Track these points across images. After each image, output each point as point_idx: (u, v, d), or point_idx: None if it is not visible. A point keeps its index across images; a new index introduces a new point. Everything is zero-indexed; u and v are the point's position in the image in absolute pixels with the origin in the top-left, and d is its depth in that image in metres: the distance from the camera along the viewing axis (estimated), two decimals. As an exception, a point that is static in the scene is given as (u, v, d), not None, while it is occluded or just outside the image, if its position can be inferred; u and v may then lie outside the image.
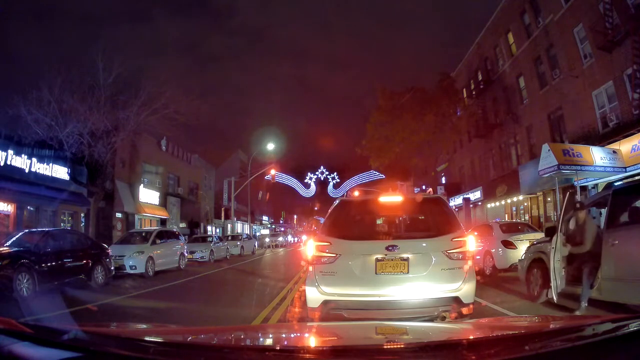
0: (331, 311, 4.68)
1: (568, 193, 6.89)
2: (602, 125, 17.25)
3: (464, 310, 4.60)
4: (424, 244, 4.89)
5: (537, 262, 7.31)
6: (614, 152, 15.33)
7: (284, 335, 2.48)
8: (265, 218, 70.67)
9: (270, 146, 37.32)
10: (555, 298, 6.04)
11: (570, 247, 6.25)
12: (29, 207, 19.54)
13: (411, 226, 6.09)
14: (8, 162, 17.87)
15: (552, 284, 6.02)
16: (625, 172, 14.79)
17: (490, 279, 10.75)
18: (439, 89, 28.10)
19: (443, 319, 4.41)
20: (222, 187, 43.70)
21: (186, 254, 17.77)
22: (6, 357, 1.42)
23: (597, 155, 15.11)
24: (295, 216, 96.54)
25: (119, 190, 25.68)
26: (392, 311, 4.60)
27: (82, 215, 22.98)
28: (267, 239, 41.87)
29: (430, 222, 5.49)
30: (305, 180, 78.29)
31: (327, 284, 4.77)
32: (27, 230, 11.60)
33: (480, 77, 29.49)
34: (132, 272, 13.69)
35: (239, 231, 41.40)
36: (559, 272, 6.06)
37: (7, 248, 9.50)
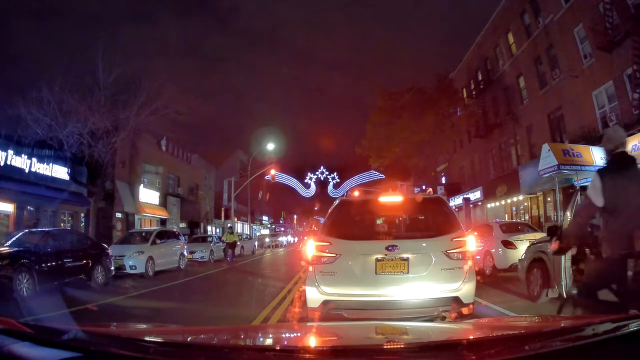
0: (331, 311, 4.68)
1: (578, 189, 6.85)
2: (602, 125, 17.23)
3: (464, 310, 4.60)
4: (424, 244, 4.88)
5: (537, 261, 7.30)
6: (614, 152, 15.31)
7: (284, 335, 2.47)
8: (265, 218, 70.65)
9: (270, 146, 37.31)
10: (565, 296, 6.02)
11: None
12: (29, 207, 19.51)
13: (411, 226, 6.09)
14: (8, 162, 17.85)
15: (563, 282, 6.01)
16: (625, 172, 14.77)
17: (490, 279, 10.75)
18: (439, 89, 28.10)
19: (443, 319, 4.40)
20: (222, 187, 43.65)
21: (186, 254, 17.77)
22: (6, 357, 1.42)
23: (597, 155, 15.07)
24: (295, 216, 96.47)
25: (119, 190, 25.67)
26: (392, 311, 4.60)
27: (82, 215, 22.94)
28: (267, 239, 41.85)
29: (430, 222, 5.49)
30: (305, 180, 78.35)
31: (327, 284, 4.77)
32: (27, 230, 11.59)
33: (480, 77, 29.47)
34: (132, 272, 13.69)
35: (239, 231, 41.38)
36: (569, 271, 6.05)
37: (7, 248, 9.50)
